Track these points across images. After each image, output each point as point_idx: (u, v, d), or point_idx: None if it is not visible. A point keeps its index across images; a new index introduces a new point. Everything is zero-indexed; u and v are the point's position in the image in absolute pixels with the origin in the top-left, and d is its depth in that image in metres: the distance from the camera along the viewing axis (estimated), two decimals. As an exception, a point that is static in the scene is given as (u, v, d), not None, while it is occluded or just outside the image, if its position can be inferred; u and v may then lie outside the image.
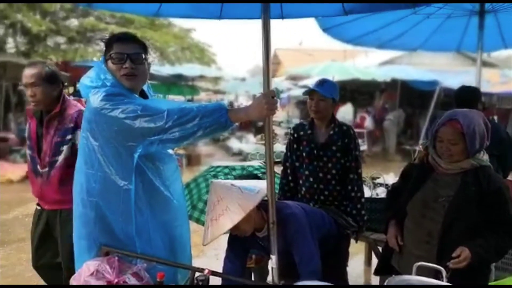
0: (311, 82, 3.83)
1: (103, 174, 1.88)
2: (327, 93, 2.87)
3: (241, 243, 2.31)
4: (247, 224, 2.08)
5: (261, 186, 2.08)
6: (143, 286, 1.72)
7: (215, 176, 3.36)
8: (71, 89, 14.28)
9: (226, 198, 2.04)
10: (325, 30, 3.57)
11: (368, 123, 13.71)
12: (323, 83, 2.95)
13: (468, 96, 3.48)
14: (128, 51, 1.92)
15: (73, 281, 1.76)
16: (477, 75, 3.48)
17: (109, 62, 1.94)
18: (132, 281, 1.74)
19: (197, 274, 1.84)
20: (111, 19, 15.29)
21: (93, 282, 1.67)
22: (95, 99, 1.85)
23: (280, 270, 2.03)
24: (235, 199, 2.03)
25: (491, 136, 2.17)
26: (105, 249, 1.89)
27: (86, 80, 1.95)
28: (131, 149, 1.83)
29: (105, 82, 1.89)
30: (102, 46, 2.02)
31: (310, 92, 2.94)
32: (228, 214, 1.99)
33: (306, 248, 2.22)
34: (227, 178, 3.39)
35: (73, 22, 15.03)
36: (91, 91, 1.90)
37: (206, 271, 1.82)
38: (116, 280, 1.69)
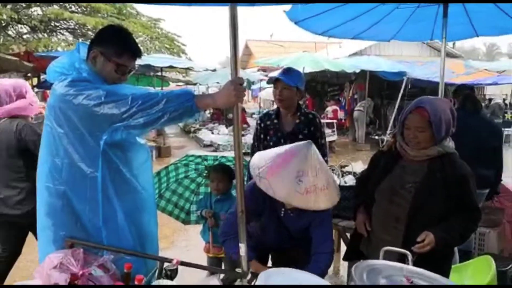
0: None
1: (69, 161, 1.83)
2: (291, 82, 2.88)
3: (257, 208, 2.29)
4: None
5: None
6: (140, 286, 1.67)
7: (186, 165, 3.33)
8: (34, 80, 13.82)
9: (326, 172, 2.04)
10: (297, 23, 3.57)
11: (339, 114, 13.92)
12: (287, 71, 2.96)
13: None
14: (132, 65, 1.98)
15: (36, 274, 1.70)
16: (441, 64, 3.56)
17: (104, 61, 1.90)
18: (98, 272, 1.69)
19: (165, 264, 1.82)
20: (76, 8, 14.83)
21: (57, 275, 1.61)
22: (60, 85, 1.81)
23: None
24: (332, 179, 2.09)
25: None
26: (69, 241, 1.84)
27: (57, 65, 1.89)
28: (96, 136, 1.79)
29: (80, 71, 1.85)
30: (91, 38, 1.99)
31: (274, 81, 2.94)
32: (329, 192, 1.99)
33: (325, 229, 2.27)
34: (198, 168, 3.36)
35: (36, 11, 14.48)
36: (59, 78, 1.84)
37: (175, 261, 1.80)
38: (81, 272, 1.65)
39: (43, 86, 14.46)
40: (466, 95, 3.81)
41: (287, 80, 2.87)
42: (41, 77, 13.14)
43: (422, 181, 2.15)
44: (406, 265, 1.72)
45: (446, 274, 2.16)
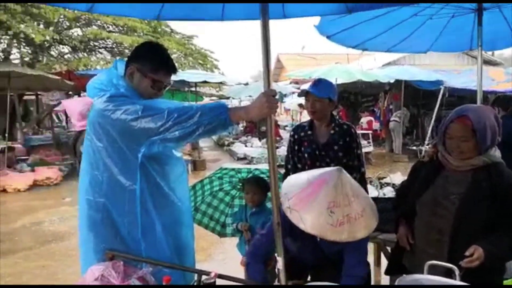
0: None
1: (109, 175, 1.87)
2: (321, 93, 2.83)
3: (292, 231, 2.19)
4: None
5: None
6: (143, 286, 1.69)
7: (221, 178, 3.34)
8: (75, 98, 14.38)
9: (360, 197, 1.93)
10: (329, 37, 3.55)
11: (374, 124, 13.67)
12: (317, 83, 2.92)
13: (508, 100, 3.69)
14: (168, 81, 2.02)
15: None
16: (478, 73, 3.43)
17: (141, 77, 1.94)
18: (138, 285, 1.71)
19: (203, 277, 1.81)
20: (114, 28, 15.39)
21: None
22: (99, 101, 1.86)
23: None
24: (368, 204, 1.98)
25: None
26: (110, 253, 1.87)
27: (96, 82, 1.96)
28: (134, 149, 1.83)
29: (118, 87, 1.90)
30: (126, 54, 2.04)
31: (305, 93, 2.91)
32: (365, 220, 1.87)
33: (359, 254, 2.22)
34: (232, 181, 3.36)
35: (76, 32, 15.15)
36: (98, 94, 1.90)
37: (213, 274, 1.79)
38: (121, 285, 1.66)
39: (83, 104, 15.06)
40: None
41: (317, 92, 2.83)
42: (81, 94, 13.65)
43: (467, 192, 2.05)
44: (453, 280, 1.64)
45: (496, 290, 2.05)
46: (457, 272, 1.71)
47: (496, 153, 2.10)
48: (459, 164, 2.09)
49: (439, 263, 1.77)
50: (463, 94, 11.30)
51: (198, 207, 3.41)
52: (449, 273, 1.73)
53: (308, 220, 1.80)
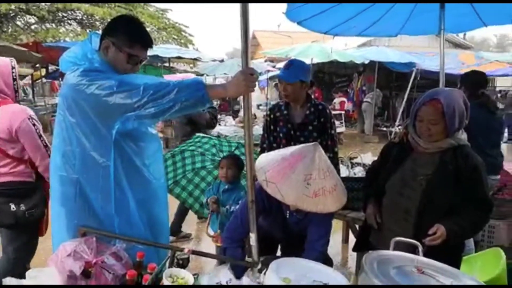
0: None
1: (82, 150, 1.85)
2: (292, 78, 2.88)
3: (264, 209, 2.30)
4: None
5: None
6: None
7: (203, 154, 3.37)
8: (43, 71, 13.87)
9: (333, 173, 2.03)
10: (299, 23, 3.54)
11: (347, 105, 13.85)
12: (288, 67, 2.95)
13: (478, 78, 3.75)
14: (144, 56, 1.97)
15: (50, 261, 1.73)
16: (440, 56, 3.52)
17: (116, 51, 1.90)
18: (111, 261, 1.71)
19: (177, 253, 1.83)
20: (84, -2, 14.83)
21: (71, 262, 1.64)
22: (73, 75, 1.82)
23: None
24: (339, 180, 2.09)
25: None
26: (83, 229, 1.86)
27: (69, 55, 1.91)
28: (108, 125, 1.80)
29: (92, 61, 1.86)
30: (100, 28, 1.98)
31: (278, 78, 2.96)
32: (337, 194, 2.00)
33: (322, 228, 2.28)
34: (215, 159, 3.36)
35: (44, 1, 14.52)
36: (71, 68, 1.86)
37: (186, 250, 1.82)
38: (94, 260, 1.67)
39: (51, 77, 14.53)
40: (485, 95, 3.79)
41: (286, 78, 2.88)
42: (50, 67, 13.18)
43: (434, 174, 2.13)
44: (417, 256, 1.72)
45: (456, 265, 2.15)
46: (420, 248, 1.80)
47: (462, 136, 2.18)
48: (428, 146, 2.17)
49: (404, 239, 1.86)
50: (435, 77, 11.51)
51: (179, 181, 3.41)
52: (413, 251, 1.82)
53: (286, 191, 1.90)
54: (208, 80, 16.59)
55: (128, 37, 1.91)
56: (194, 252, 1.86)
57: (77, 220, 1.89)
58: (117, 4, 14.35)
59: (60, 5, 13.43)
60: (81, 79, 1.78)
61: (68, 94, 1.83)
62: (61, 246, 1.76)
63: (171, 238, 3.90)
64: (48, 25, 14.40)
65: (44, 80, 15.10)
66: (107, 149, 1.83)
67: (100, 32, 2.00)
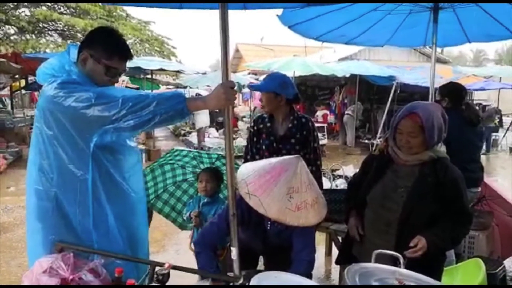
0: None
1: (59, 164, 1.80)
2: (263, 88, 2.94)
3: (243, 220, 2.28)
4: None
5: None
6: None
7: (183, 167, 3.33)
8: (22, 82, 13.63)
9: (315, 186, 2.04)
10: (290, 27, 3.59)
11: (329, 118, 13.97)
12: (265, 78, 3.03)
13: (460, 89, 3.78)
14: (123, 68, 1.95)
15: (25, 278, 1.67)
16: (431, 69, 3.61)
17: (94, 63, 1.88)
18: (89, 277, 1.67)
19: (157, 268, 1.79)
20: (65, 9, 14.69)
21: (46, 279, 1.59)
22: (50, 87, 1.78)
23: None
24: (319, 193, 2.10)
25: None
26: (59, 245, 1.81)
27: (47, 67, 1.88)
28: (86, 138, 1.77)
29: (70, 73, 1.84)
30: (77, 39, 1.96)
31: None
32: (318, 207, 1.99)
33: (307, 237, 2.27)
34: (196, 171, 3.32)
35: (24, 12, 14.31)
36: (49, 80, 1.83)
37: (167, 265, 1.78)
38: (71, 277, 1.62)
39: (31, 88, 14.29)
40: (468, 106, 3.84)
41: (258, 87, 2.95)
42: (29, 78, 12.96)
43: (413, 186, 2.16)
44: (398, 268, 1.73)
45: (437, 277, 2.17)
46: (401, 260, 1.81)
47: (442, 148, 2.22)
48: (408, 158, 2.19)
49: (386, 251, 1.86)
50: (414, 90, 11.76)
51: (160, 195, 3.36)
52: (395, 262, 1.82)
53: (269, 205, 1.88)
54: (192, 92, 16.59)
55: (106, 49, 1.89)
56: (175, 267, 1.82)
57: (54, 235, 1.84)
58: (99, 16, 14.25)
59: (41, 16, 13.24)
60: (58, 91, 1.74)
61: (45, 106, 1.79)
62: (36, 262, 1.70)
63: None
64: (28, 36, 14.18)
65: (23, 91, 14.85)
66: (85, 162, 1.79)
67: (79, 43, 1.98)
